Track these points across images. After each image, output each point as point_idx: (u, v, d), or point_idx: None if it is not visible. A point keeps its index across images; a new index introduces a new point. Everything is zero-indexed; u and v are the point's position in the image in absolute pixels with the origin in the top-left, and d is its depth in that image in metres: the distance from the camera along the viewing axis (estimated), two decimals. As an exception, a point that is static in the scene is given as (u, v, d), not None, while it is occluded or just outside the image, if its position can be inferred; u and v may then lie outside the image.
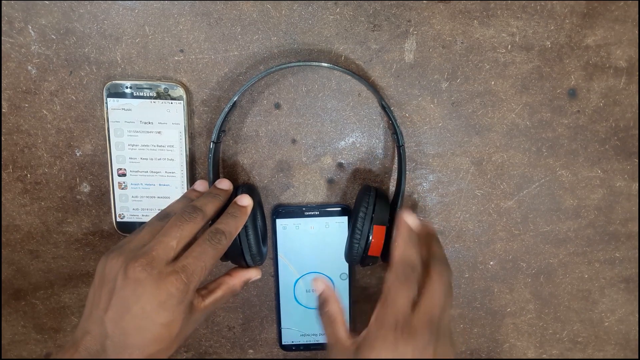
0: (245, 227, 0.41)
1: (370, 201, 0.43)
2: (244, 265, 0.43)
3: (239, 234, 0.41)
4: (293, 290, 0.50)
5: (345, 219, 0.48)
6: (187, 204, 0.40)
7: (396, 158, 0.47)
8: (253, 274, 0.44)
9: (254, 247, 0.42)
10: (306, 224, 0.48)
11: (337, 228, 0.48)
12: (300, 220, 0.48)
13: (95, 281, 0.37)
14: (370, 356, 0.34)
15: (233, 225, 0.40)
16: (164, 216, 0.40)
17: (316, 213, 0.48)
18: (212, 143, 0.43)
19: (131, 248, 0.37)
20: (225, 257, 0.43)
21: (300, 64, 0.43)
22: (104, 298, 0.36)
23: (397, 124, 0.42)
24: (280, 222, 0.48)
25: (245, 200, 0.41)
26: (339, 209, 0.48)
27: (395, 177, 0.47)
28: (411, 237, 0.39)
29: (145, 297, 0.34)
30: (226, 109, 0.42)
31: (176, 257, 0.36)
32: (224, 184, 0.43)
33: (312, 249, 0.49)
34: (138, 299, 0.34)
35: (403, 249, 0.39)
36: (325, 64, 0.42)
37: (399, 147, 0.43)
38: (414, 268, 0.37)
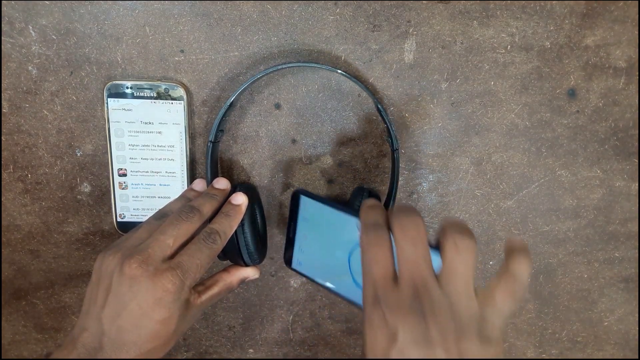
0: (242, 225, 0.41)
1: (364, 199, 0.43)
2: (241, 264, 0.43)
3: (235, 233, 0.41)
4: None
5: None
6: (185, 204, 0.40)
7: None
8: (250, 272, 0.44)
9: (251, 246, 0.42)
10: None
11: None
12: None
13: (93, 278, 0.38)
14: (367, 345, 0.30)
15: (227, 225, 0.40)
16: (162, 215, 0.40)
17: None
18: (209, 142, 0.43)
19: (128, 246, 0.37)
20: (224, 255, 0.43)
21: (294, 64, 0.43)
22: (100, 295, 0.36)
23: (392, 127, 0.42)
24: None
25: (239, 199, 0.41)
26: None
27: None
28: (372, 206, 0.34)
29: (141, 294, 0.35)
30: (223, 110, 0.42)
31: (172, 256, 0.37)
32: (222, 184, 0.43)
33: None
34: (134, 295, 0.35)
35: (364, 213, 0.34)
36: (315, 65, 0.42)
37: (394, 151, 0.43)
38: (377, 224, 0.32)
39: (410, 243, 0.30)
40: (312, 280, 0.44)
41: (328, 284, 0.42)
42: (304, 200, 0.42)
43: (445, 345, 0.27)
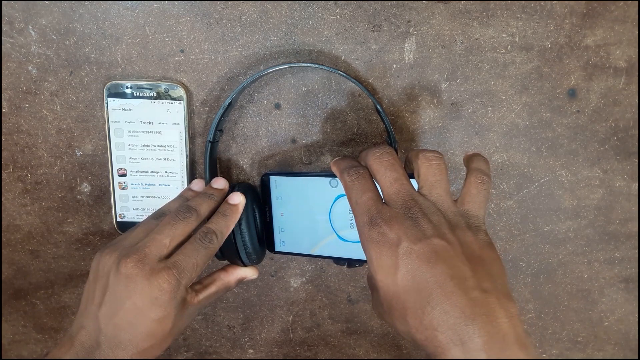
0: (239, 225, 0.41)
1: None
2: (239, 264, 0.43)
3: (233, 232, 0.41)
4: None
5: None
6: (182, 204, 0.40)
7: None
8: (249, 272, 0.44)
9: (248, 245, 0.42)
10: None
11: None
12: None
13: (90, 277, 0.38)
14: (374, 262, 0.32)
15: (224, 224, 0.40)
16: (159, 215, 0.40)
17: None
18: (208, 142, 0.43)
19: (125, 245, 0.37)
20: (222, 255, 0.43)
21: (294, 65, 0.43)
22: (97, 294, 0.36)
23: (390, 128, 0.42)
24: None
25: (236, 198, 0.41)
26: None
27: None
28: (341, 157, 0.39)
29: (137, 293, 0.35)
30: (221, 110, 0.42)
31: (169, 255, 0.37)
32: (219, 183, 0.42)
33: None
34: (130, 294, 0.35)
35: (336, 164, 0.38)
36: (315, 65, 0.42)
37: None
38: (352, 165, 0.36)
39: (389, 168, 0.34)
40: (299, 255, 0.45)
41: (315, 252, 0.44)
42: (274, 180, 0.44)
43: (445, 237, 0.31)
